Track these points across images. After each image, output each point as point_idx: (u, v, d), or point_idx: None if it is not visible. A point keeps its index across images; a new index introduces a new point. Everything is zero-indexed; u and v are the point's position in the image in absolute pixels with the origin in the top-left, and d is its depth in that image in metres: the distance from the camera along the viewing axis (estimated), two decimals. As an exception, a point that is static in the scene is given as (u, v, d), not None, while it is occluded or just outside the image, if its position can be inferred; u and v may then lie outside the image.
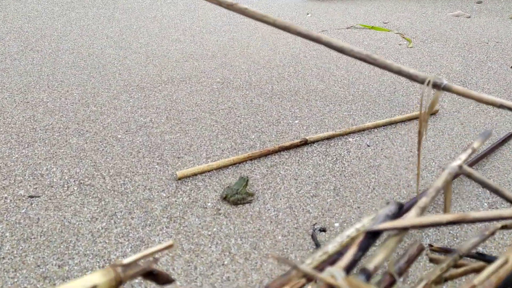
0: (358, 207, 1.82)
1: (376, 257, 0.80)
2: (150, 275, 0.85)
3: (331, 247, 0.86)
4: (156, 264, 1.42)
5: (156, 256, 1.48)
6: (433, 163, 2.13)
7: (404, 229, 0.85)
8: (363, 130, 2.39)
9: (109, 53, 3.29)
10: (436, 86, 1.21)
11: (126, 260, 0.80)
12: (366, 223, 0.92)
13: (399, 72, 1.26)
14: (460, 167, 1.00)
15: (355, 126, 2.39)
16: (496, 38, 4.02)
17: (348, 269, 0.77)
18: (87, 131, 2.23)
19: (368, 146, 2.26)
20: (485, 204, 1.89)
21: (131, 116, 2.41)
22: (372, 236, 0.82)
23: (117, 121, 2.34)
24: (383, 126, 2.44)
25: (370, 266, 0.78)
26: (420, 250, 0.97)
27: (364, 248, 0.80)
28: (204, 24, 4.24)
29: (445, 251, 1.39)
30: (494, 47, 3.80)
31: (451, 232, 1.73)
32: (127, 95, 2.63)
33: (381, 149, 2.23)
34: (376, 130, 2.40)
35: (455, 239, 1.70)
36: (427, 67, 3.32)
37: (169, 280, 0.89)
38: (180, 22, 4.24)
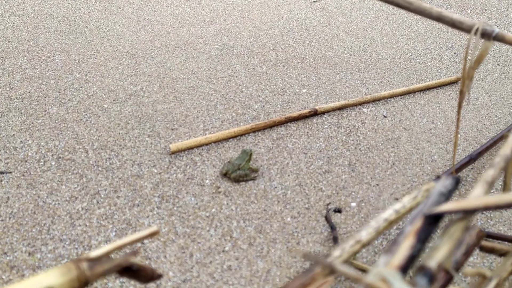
0: (377, 185, 1.60)
1: (439, 251, 0.58)
2: (129, 271, 0.63)
3: (365, 235, 0.63)
4: (137, 256, 1.19)
5: (137, 246, 1.25)
6: (459, 136, 1.90)
7: (473, 212, 0.62)
8: (379, 99, 2.14)
9: (97, 18, 3.00)
10: (486, 35, 0.96)
11: (94, 253, 0.57)
12: (407, 203, 0.70)
13: (439, 19, 1.01)
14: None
15: (369, 95, 2.14)
16: (516, 4, 3.72)
17: (405, 268, 0.54)
18: (69, 100, 1.98)
19: (385, 117, 2.02)
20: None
21: (120, 84, 2.15)
22: (432, 221, 0.60)
23: (103, 90, 2.09)
24: (401, 95, 2.19)
25: (432, 263, 0.56)
26: (480, 237, 0.74)
27: (424, 238, 0.57)
28: (201, -11, 3.92)
29: (492, 236, 1.18)
30: (515, 13, 3.51)
31: (484, 213, 1.51)
32: (116, 62, 2.37)
33: (400, 121, 1.99)
34: (392, 100, 2.15)
35: (489, 220, 1.49)
36: (444, 34, 3.05)
37: (155, 276, 0.67)
38: (175, -12, 3.91)
